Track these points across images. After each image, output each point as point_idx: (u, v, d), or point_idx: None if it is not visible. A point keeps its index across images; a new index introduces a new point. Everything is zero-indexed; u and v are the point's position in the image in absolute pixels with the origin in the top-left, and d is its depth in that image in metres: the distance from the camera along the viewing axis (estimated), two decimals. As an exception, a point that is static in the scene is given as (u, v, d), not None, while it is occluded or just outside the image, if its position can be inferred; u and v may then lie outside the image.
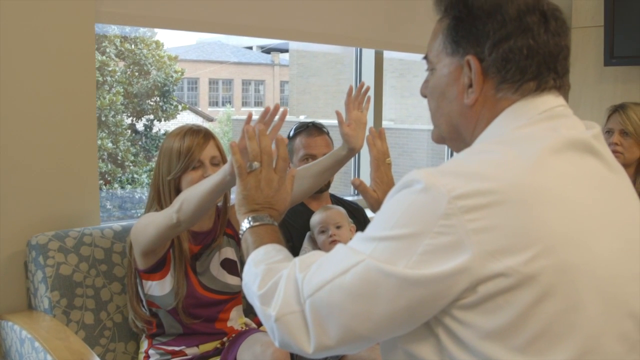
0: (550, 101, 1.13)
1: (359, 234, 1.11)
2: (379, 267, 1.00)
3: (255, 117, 1.65)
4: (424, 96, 1.27)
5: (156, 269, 2.06)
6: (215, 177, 1.74)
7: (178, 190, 2.07)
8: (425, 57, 1.24)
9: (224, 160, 2.12)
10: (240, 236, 1.36)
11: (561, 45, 1.13)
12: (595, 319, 0.99)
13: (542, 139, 1.07)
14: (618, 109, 2.91)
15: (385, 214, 1.06)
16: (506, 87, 1.11)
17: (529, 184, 1.00)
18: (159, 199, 2.09)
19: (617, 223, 1.08)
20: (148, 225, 1.94)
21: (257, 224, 1.34)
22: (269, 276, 1.17)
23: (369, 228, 1.09)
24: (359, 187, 1.78)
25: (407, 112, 13.52)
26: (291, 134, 2.64)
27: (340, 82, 15.67)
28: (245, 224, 1.35)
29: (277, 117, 1.67)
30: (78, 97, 2.31)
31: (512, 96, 1.12)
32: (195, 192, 1.80)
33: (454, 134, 1.21)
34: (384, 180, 1.81)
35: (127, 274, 2.14)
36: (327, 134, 2.65)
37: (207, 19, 2.73)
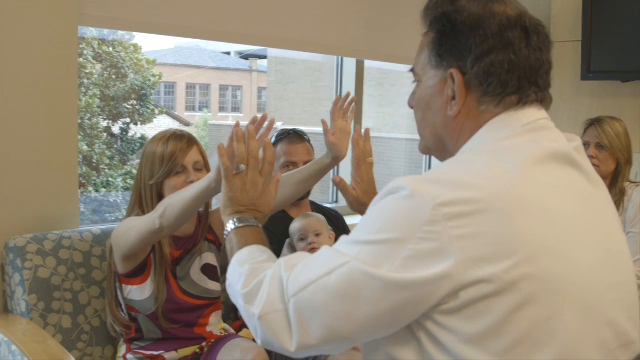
0: (533, 114, 1.16)
1: (344, 237, 1.13)
2: (363, 270, 1.03)
3: (243, 122, 1.66)
4: (411, 107, 1.30)
5: (136, 274, 2.05)
6: (200, 184, 1.74)
7: (160, 195, 2.06)
8: (412, 70, 1.28)
9: (207, 166, 2.13)
10: (225, 237, 1.38)
11: (542, 59, 1.17)
12: (574, 327, 1.02)
13: (524, 151, 1.10)
14: (594, 123, 2.96)
15: (371, 219, 1.09)
16: (488, 100, 1.15)
17: (511, 193, 1.03)
18: (141, 203, 2.08)
19: (596, 233, 1.11)
20: (130, 230, 1.93)
21: (242, 225, 1.36)
22: (254, 275, 1.19)
23: (354, 232, 1.11)
24: (339, 185, 1.80)
25: (384, 120, 13.60)
26: (272, 140, 2.64)
27: (318, 90, 15.68)
28: (230, 225, 1.37)
29: (265, 124, 1.69)
30: (59, 99, 2.29)
31: (495, 109, 1.15)
32: (179, 198, 1.80)
33: (439, 144, 1.24)
34: (364, 179, 1.83)
35: (107, 278, 2.13)
36: (308, 141, 2.66)
37: (190, 24, 2.74)
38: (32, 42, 2.20)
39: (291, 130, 2.65)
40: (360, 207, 1.80)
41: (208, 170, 2.13)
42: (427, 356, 1.05)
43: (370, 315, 1.04)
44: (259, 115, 1.65)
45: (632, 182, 2.96)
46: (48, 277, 2.11)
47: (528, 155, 1.09)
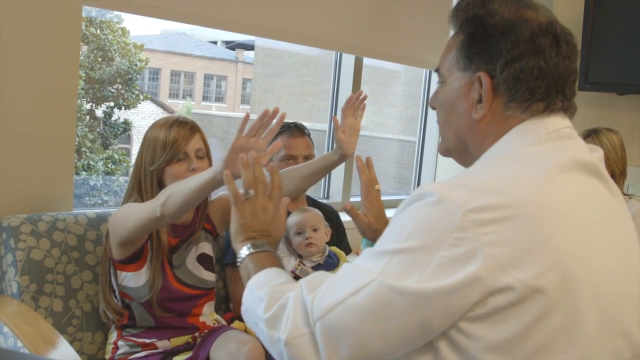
0: (558, 122, 1.16)
1: (367, 249, 1.11)
2: (390, 285, 1.01)
3: (253, 116, 1.65)
4: (433, 108, 1.29)
5: (132, 260, 2.02)
6: (205, 175, 1.73)
7: (160, 181, 2.04)
8: (437, 70, 1.27)
9: (209, 154, 2.11)
10: (238, 264, 1.36)
11: (571, 68, 1.17)
12: (592, 335, 1.02)
13: (550, 158, 1.10)
14: (591, 134, 2.99)
15: (397, 227, 1.07)
16: (515, 105, 1.15)
17: (538, 199, 1.03)
18: (140, 188, 2.05)
19: (615, 244, 1.12)
20: (129, 217, 1.90)
21: (256, 250, 1.34)
22: (274, 299, 1.16)
23: (380, 242, 1.09)
24: (349, 212, 1.79)
25: (367, 119, 13.60)
26: None
27: (303, 85, 15.64)
28: (244, 251, 1.35)
29: (274, 121, 1.68)
30: (59, 80, 2.25)
31: (521, 115, 1.15)
32: (182, 187, 1.77)
33: (461, 146, 1.24)
34: (375, 205, 1.82)
35: (101, 263, 2.10)
36: (309, 135, 2.64)
37: (195, 11, 2.69)
38: (36, 19, 2.16)
39: (292, 123, 2.63)
40: (372, 234, 1.77)
41: (209, 158, 2.11)
42: None
43: (401, 331, 1.02)
44: (267, 108, 1.64)
45: (625, 195, 2.99)
46: (41, 259, 2.07)
47: (554, 162, 1.09)
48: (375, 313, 1.02)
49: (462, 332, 1.01)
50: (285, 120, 2.62)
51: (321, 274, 1.18)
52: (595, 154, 1.17)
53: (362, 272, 1.06)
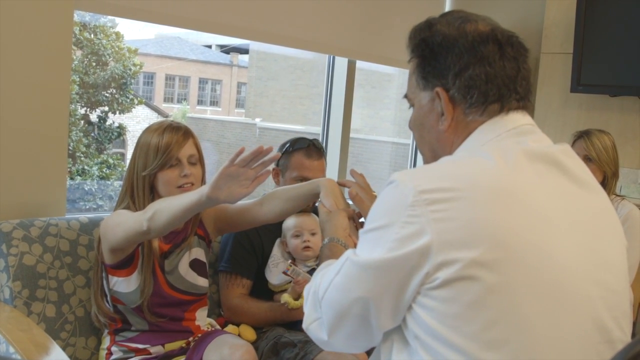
0: (518, 119, 1.25)
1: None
2: (355, 262, 1.17)
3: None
4: (412, 130, 1.40)
5: (123, 265, 2.02)
6: (191, 196, 1.76)
7: (152, 187, 2.04)
8: (406, 96, 1.38)
9: (201, 160, 2.10)
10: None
11: (518, 67, 1.26)
12: (548, 315, 1.09)
13: (507, 150, 1.18)
14: (583, 135, 3.00)
15: (371, 211, 1.21)
16: (473, 110, 1.25)
17: (487, 184, 1.12)
18: (132, 193, 2.06)
19: (578, 232, 1.17)
20: (118, 226, 1.91)
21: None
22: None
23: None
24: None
25: (362, 122, 13.63)
26: (288, 147, 2.50)
27: (298, 88, 15.65)
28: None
29: (267, 157, 1.73)
30: (51, 85, 2.25)
31: (480, 118, 1.25)
32: (169, 205, 1.80)
33: (435, 159, 1.31)
34: None
35: (94, 267, 2.10)
36: (325, 156, 2.56)
37: (189, 15, 2.70)
38: (27, 24, 2.16)
39: (310, 141, 2.50)
40: None
41: (202, 164, 2.11)
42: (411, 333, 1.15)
43: (378, 303, 1.15)
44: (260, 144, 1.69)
45: (618, 196, 3.00)
46: (33, 264, 2.07)
47: (509, 153, 1.17)
48: (350, 288, 1.17)
49: (421, 305, 1.11)
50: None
51: (331, 261, 1.34)
52: (557, 146, 1.24)
53: (346, 253, 1.22)
